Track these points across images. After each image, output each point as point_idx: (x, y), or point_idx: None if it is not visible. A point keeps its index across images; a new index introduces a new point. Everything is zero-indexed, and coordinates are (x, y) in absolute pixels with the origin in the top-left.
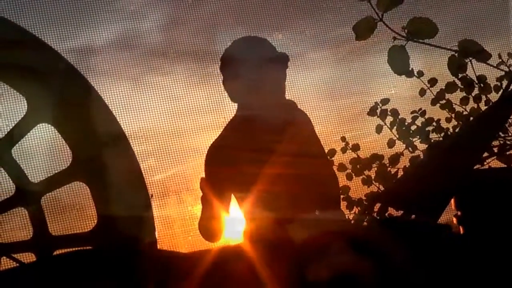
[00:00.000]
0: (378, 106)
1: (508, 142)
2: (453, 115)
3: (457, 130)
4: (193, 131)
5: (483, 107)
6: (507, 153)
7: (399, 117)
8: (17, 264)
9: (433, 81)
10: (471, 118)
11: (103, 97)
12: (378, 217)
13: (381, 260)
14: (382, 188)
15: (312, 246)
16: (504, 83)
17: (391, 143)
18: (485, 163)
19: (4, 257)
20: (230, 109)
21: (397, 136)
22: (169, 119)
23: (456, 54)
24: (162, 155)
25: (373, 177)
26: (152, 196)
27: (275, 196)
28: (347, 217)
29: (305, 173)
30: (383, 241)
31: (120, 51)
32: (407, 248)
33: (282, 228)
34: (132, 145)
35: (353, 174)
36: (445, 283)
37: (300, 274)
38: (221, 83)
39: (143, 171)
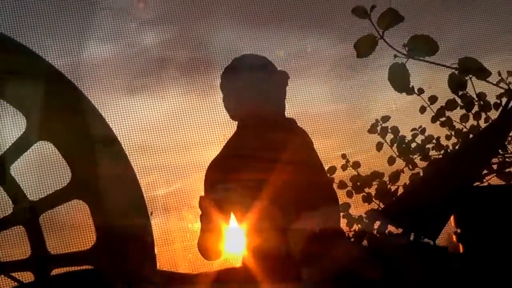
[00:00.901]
0: (379, 124)
1: (508, 160)
2: (453, 132)
3: (457, 147)
4: (193, 146)
5: (483, 124)
6: (507, 170)
7: (399, 134)
8: (16, 284)
9: (433, 99)
10: (471, 136)
11: (102, 114)
12: (378, 235)
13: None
14: (382, 205)
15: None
16: (504, 100)
17: (391, 161)
18: (485, 180)
19: (2, 276)
20: (230, 124)
21: (397, 153)
22: (170, 135)
23: (456, 72)
24: (163, 171)
25: (373, 195)
26: (151, 213)
27: (275, 214)
28: (347, 235)
29: (305, 191)
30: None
31: (120, 66)
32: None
33: (282, 247)
34: (132, 162)
35: (353, 191)
36: None
37: None
38: (221, 101)
39: (143, 188)
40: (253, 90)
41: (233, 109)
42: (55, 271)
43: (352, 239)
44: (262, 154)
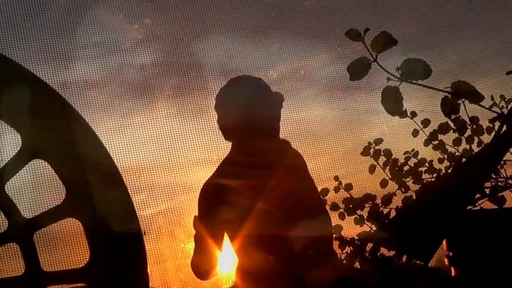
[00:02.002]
0: (372, 146)
1: (500, 184)
2: (445, 156)
3: (449, 171)
4: (185, 166)
5: (475, 148)
6: (499, 194)
7: (392, 157)
8: None
9: (426, 122)
10: (464, 160)
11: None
12: (370, 257)
13: None
14: (374, 228)
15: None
16: (497, 124)
17: (384, 183)
18: (477, 204)
19: None
20: (223, 145)
21: (390, 176)
22: (162, 155)
23: (449, 95)
24: (155, 190)
25: (365, 217)
26: (145, 233)
27: (268, 235)
28: (339, 257)
29: (298, 212)
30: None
31: (112, 86)
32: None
33: (274, 268)
34: (125, 180)
35: (346, 213)
36: None
37: None
38: (216, 122)
39: (135, 207)
40: (248, 111)
41: (227, 129)
42: None
43: (344, 261)
44: (256, 175)
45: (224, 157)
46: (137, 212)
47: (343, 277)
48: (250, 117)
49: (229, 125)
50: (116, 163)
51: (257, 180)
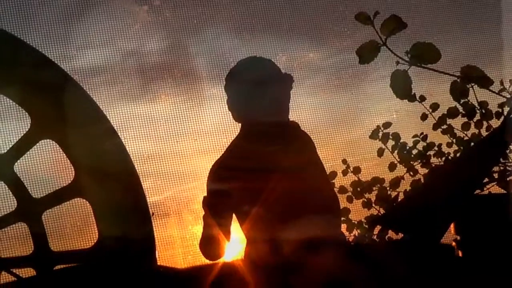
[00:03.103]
0: (380, 130)
1: (509, 168)
2: (454, 140)
3: (458, 155)
4: (194, 152)
5: (484, 133)
6: (507, 179)
7: (401, 141)
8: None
9: (435, 106)
10: (472, 144)
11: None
12: (378, 240)
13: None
14: (382, 211)
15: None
16: (506, 109)
17: (392, 167)
18: (485, 188)
19: (4, 272)
20: (231, 131)
21: (398, 159)
22: (171, 141)
23: (458, 80)
24: (164, 176)
25: (373, 200)
26: (153, 214)
27: (277, 216)
28: (347, 239)
29: (307, 193)
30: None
31: (122, 71)
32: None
33: (282, 249)
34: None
35: (354, 196)
36: None
37: None
38: (225, 103)
39: (145, 190)
40: (258, 92)
41: (237, 110)
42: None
43: (352, 244)
44: (265, 156)
45: (234, 138)
46: (146, 197)
47: (336, 278)
48: (259, 98)
49: (238, 106)
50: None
51: (265, 161)
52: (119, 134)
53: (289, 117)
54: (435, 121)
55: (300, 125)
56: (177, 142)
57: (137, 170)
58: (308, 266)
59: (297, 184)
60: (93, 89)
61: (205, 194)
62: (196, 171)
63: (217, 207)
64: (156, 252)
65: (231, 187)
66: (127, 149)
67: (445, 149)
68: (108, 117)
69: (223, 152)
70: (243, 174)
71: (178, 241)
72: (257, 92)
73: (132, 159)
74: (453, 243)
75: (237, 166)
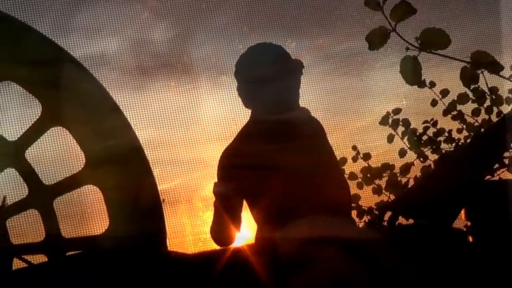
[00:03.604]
0: (390, 116)
1: None
2: (464, 126)
3: (468, 141)
4: (204, 140)
5: (494, 118)
6: None
7: (411, 127)
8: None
9: (445, 92)
10: (483, 130)
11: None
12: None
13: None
14: (392, 197)
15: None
16: None
17: (402, 153)
18: (496, 174)
19: (16, 258)
20: (241, 119)
21: (408, 146)
22: (181, 129)
23: (468, 66)
24: (174, 163)
25: (383, 187)
26: (163, 200)
27: (287, 202)
28: (357, 226)
29: (317, 179)
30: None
31: (132, 59)
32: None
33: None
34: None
35: (364, 183)
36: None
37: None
38: (236, 89)
39: (155, 178)
40: (268, 78)
41: (247, 97)
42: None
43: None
44: (275, 142)
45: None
46: (157, 184)
47: (336, 277)
48: (269, 84)
49: (248, 93)
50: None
51: (275, 147)
52: (129, 122)
53: (299, 104)
54: (445, 107)
55: (310, 111)
56: (187, 129)
57: (148, 158)
58: (317, 253)
59: (307, 170)
60: (103, 77)
61: (216, 180)
62: (206, 158)
63: (228, 194)
64: (167, 238)
65: (241, 173)
66: (138, 136)
67: (455, 135)
68: (119, 104)
69: (233, 139)
70: (253, 160)
71: (188, 227)
72: (267, 78)
73: (143, 147)
74: (464, 229)
75: (248, 153)
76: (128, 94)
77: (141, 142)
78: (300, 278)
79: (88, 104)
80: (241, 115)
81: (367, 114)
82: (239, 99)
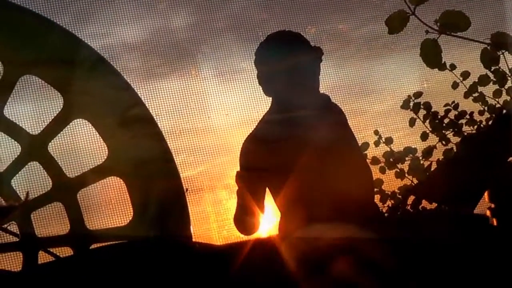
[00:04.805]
0: (411, 100)
1: None
2: (486, 107)
3: (490, 123)
4: (226, 127)
5: None
6: None
7: (432, 110)
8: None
9: (465, 74)
10: (504, 111)
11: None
12: (411, 210)
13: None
14: (415, 181)
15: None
16: None
17: (424, 136)
18: None
19: (42, 251)
20: (263, 105)
21: (430, 129)
22: (203, 116)
23: (489, 47)
24: (196, 151)
25: (406, 170)
26: (187, 190)
27: (310, 189)
28: (381, 210)
29: (340, 165)
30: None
31: (152, 48)
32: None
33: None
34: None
35: (386, 167)
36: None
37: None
38: (256, 77)
39: (178, 166)
40: (288, 66)
41: (268, 85)
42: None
43: (385, 214)
44: (296, 129)
45: (265, 112)
46: (180, 173)
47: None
48: (289, 72)
49: (269, 80)
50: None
51: (297, 134)
52: (151, 110)
53: (320, 89)
54: (466, 89)
55: (331, 97)
56: (209, 117)
57: (170, 146)
58: (341, 239)
59: (330, 156)
60: (125, 66)
61: (238, 169)
62: (228, 146)
63: (250, 182)
64: (191, 227)
65: (263, 161)
66: (159, 125)
67: (477, 117)
68: (140, 94)
69: (255, 127)
70: (275, 147)
71: (212, 216)
72: (287, 66)
73: (165, 135)
74: (488, 212)
75: (269, 140)
76: (149, 82)
77: (163, 130)
78: (323, 269)
79: (109, 96)
80: (263, 102)
81: (388, 98)
82: (260, 86)
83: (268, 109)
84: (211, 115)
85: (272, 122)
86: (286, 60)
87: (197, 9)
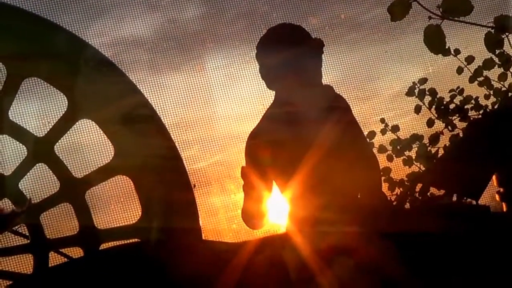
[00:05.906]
0: (416, 86)
1: None
2: (491, 91)
3: (496, 106)
4: (233, 119)
5: None
6: None
7: (438, 96)
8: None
9: (470, 59)
10: (510, 94)
11: (141, 90)
12: (419, 197)
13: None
14: (423, 168)
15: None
16: None
17: (430, 123)
18: None
19: (52, 252)
20: (270, 97)
21: (436, 115)
22: (210, 108)
23: (492, 31)
24: (204, 144)
25: (413, 158)
26: (194, 186)
27: (317, 181)
28: (389, 199)
29: (346, 156)
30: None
31: (158, 41)
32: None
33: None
34: (173, 135)
35: (394, 155)
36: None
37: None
38: (258, 71)
39: (184, 161)
40: (289, 59)
41: (270, 79)
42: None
43: (394, 203)
44: (301, 122)
45: (269, 105)
46: (187, 166)
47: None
48: (291, 65)
49: (271, 74)
50: (162, 119)
51: (301, 126)
52: (158, 103)
53: (324, 79)
54: (471, 74)
55: (335, 85)
56: (215, 110)
57: (177, 140)
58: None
59: (334, 148)
60: (130, 61)
61: (244, 164)
62: (236, 138)
63: (256, 176)
64: (200, 223)
65: (268, 155)
66: (166, 120)
67: (482, 101)
68: (148, 87)
69: (259, 121)
70: (279, 141)
71: (221, 209)
72: (288, 59)
73: (171, 129)
74: (497, 196)
75: (273, 134)
76: (157, 75)
77: (170, 124)
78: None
79: (113, 95)
80: (271, 93)
81: (393, 85)
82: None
83: (271, 103)
84: (218, 108)
85: (275, 115)
86: (287, 53)
87: (203, 1)
